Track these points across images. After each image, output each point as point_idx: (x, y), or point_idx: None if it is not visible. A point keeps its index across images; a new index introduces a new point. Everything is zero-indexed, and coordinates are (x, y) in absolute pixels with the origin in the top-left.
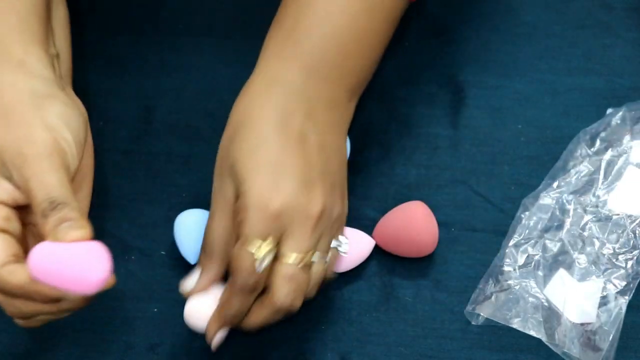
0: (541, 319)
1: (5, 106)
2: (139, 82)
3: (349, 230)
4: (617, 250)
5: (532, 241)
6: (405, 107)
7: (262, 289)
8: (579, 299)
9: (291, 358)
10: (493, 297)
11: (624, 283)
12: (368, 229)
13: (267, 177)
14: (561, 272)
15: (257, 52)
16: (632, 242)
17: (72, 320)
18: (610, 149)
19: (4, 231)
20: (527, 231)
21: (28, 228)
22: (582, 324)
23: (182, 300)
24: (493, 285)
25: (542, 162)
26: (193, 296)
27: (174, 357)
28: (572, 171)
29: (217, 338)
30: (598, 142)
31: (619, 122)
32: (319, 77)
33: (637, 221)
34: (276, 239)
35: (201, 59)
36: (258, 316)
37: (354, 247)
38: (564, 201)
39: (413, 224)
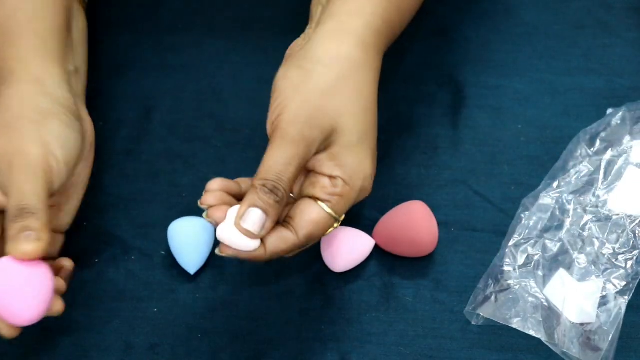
0: (541, 319)
1: (10, 118)
2: (139, 82)
3: (349, 230)
4: (616, 251)
5: (532, 241)
6: (405, 107)
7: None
8: (578, 299)
9: (291, 358)
10: (493, 297)
11: (623, 283)
12: (368, 229)
13: (372, 163)
14: (561, 272)
15: (257, 52)
16: (631, 242)
17: (72, 320)
18: (610, 149)
19: None
20: (527, 231)
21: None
22: (581, 324)
23: (182, 301)
24: (493, 285)
25: (542, 162)
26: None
27: (174, 357)
28: (572, 171)
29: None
30: (598, 142)
31: (619, 122)
32: (374, 51)
33: (637, 221)
34: None
35: (201, 59)
36: (279, 245)
37: (354, 247)
38: (564, 201)
39: (413, 224)
